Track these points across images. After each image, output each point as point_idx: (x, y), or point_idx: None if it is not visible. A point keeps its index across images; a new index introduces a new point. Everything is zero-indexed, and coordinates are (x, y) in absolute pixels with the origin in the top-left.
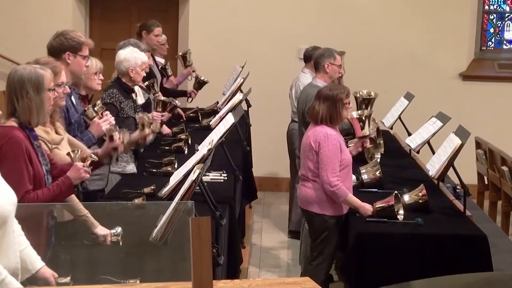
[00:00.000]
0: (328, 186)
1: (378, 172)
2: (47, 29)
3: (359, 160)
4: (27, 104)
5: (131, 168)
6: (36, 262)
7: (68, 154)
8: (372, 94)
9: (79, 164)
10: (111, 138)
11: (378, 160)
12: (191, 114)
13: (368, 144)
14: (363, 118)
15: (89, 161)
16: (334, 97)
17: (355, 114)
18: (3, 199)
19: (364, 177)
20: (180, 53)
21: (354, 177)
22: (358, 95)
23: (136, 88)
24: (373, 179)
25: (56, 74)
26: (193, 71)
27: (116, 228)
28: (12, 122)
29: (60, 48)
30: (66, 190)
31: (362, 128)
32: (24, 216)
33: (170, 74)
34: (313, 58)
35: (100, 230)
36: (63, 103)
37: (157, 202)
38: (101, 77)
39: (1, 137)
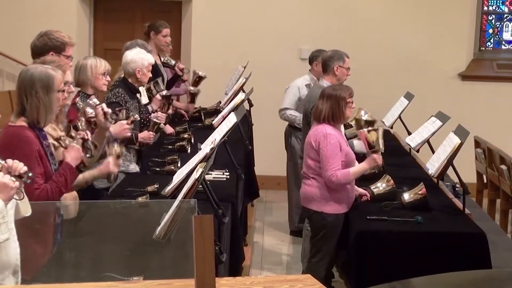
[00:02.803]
0: (330, 183)
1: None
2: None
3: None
4: (36, 103)
5: (134, 167)
6: None
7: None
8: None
9: (76, 145)
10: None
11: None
12: (194, 114)
13: (368, 198)
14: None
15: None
16: (338, 96)
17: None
18: None
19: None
20: (200, 73)
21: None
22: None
23: (141, 88)
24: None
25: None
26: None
27: (114, 145)
28: (22, 122)
29: (44, 48)
30: (69, 172)
31: (370, 143)
32: (31, 213)
33: (186, 72)
34: (322, 60)
35: (110, 168)
36: (67, 102)
37: (161, 200)
38: (108, 78)
39: (12, 136)
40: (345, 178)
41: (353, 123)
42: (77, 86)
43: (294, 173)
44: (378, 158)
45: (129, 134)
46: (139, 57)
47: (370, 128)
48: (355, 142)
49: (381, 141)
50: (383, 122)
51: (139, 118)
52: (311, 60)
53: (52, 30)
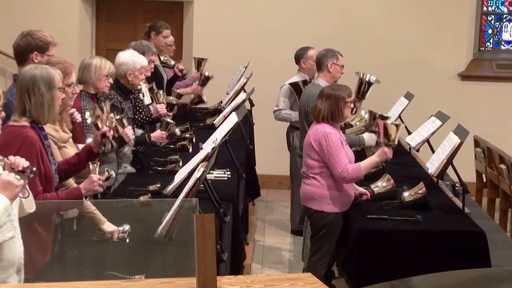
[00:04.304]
0: (342, 180)
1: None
2: (55, 30)
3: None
4: (39, 100)
5: (130, 168)
6: None
7: (87, 164)
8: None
9: (95, 176)
10: (97, 127)
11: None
12: (193, 102)
13: (368, 197)
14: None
15: (105, 176)
16: (337, 96)
17: (389, 121)
18: None
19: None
20: (198, 57)
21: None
22: (361, 76)
23: (144, 88)
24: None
25: (67, 75)
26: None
27: (124, 226)
28: (24, 122)
29: (27, 48)
30: (75, 199)
31: (388, 135)
32: (31, 212)
33: (185, 73)
34: (316, 59)
35: (107, 226)
36: (71, 103)
37: (162, 199)
38: (111, 80)
39: (15, 136)
40: (356, 172)
41: (360, 120)
42: (80, 83)
43: (297, 173)
44: (389, 151)
45: (100, 189)
46: (131, 59)
47: (393, 122)
48: (366, 135)
49: (396, 138)
50: None
51: (114, 175)
52: (298, 58)
53: (35, 29)
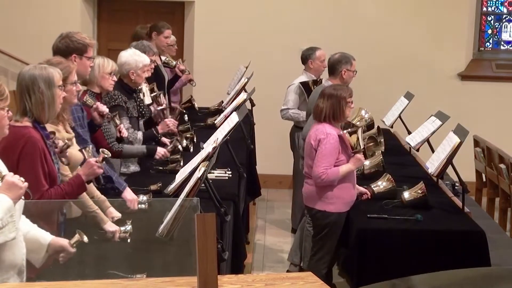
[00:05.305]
0: (318, 181)
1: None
2: (56, 30)
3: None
4: (40, 98)
5: (134, 168)
6: (46, 235)
7: (81, 150)
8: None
9: (92, 160)
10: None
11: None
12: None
13: (368, 197)
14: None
15: (102, 157)
16: (338, 96)
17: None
18: None
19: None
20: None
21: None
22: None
23: (144, 88)
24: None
25: (70, 73)
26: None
27: (126, 226)
28: (26, 122)
29: (66, 50)
30: (78, 188)
31: (353, 144)
32: (34, 212)
33: (186, 73)
34: (329, 63)
35: (109, 226)
36: (75, 100)
37: (164, 199)
38: (115, 78)
39: (19, 137)
40: (334, 176)
41: (360, 120)
42: (84, 85)
43: (300, 173)
44: (361, 157)
45: (100, 170)
46: (133, 59)
47: (350, 130)
48: None
49: (361, 141)
50: (384, 122)
51: (110, 155)
52: (305, 58)
53: (73, 31)
